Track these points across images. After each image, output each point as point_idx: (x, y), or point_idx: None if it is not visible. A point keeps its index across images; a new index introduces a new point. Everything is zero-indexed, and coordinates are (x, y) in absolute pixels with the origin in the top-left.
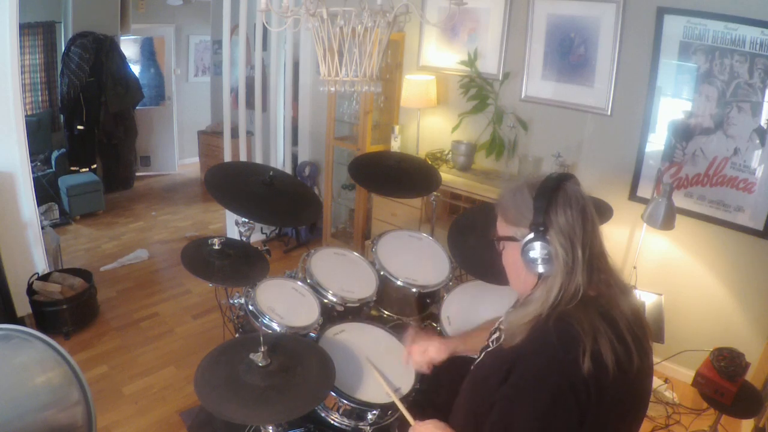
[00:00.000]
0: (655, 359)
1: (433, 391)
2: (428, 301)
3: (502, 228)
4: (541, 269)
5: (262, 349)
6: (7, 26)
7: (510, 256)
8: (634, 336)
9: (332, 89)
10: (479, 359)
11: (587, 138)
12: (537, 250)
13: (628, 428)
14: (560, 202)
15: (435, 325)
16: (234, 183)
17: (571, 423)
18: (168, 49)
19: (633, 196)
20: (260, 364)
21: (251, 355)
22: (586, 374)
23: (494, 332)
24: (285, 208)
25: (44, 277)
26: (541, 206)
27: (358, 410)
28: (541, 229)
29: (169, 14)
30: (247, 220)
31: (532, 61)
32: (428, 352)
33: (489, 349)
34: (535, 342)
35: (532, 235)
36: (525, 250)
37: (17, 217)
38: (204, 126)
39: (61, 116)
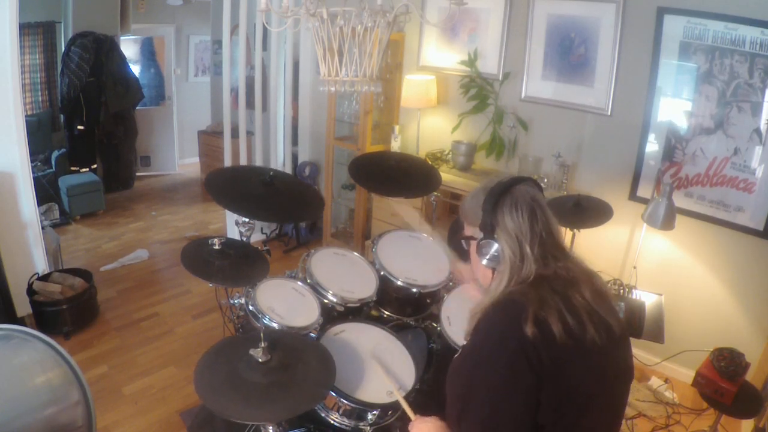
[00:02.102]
0: (656, 359)
1: (434, 391)
2: (428, 301)
3: (466, 228)
4: (491, 265)
5: (263, 345)
6: (7, 26)
7: (472, 253)
8: (592, 311)
9: (332, 89)
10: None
11: (587, 138)
12: (487, 248)
13: (601, 414)
14: (507, 204)
15: (435, 325)
16: (234, 185)
17: (526, 381)
18: (168, 49)
19: (633, 196)
20: (260, 360)
21: (251, 351)
22: (531, 337)
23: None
24: (285, 207)
25: (44, 277)
26: (487, 209)
27: (358, 410)
28: (489, 229)
29: (169, 14)
30: (247, 220)
31: (532, 61)
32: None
33: (464, 345)
34: (486, 318)
35: (482, 235)
36: (478, 247)
37: (17, 217)
38: (204, 126)
39: (61, 116)
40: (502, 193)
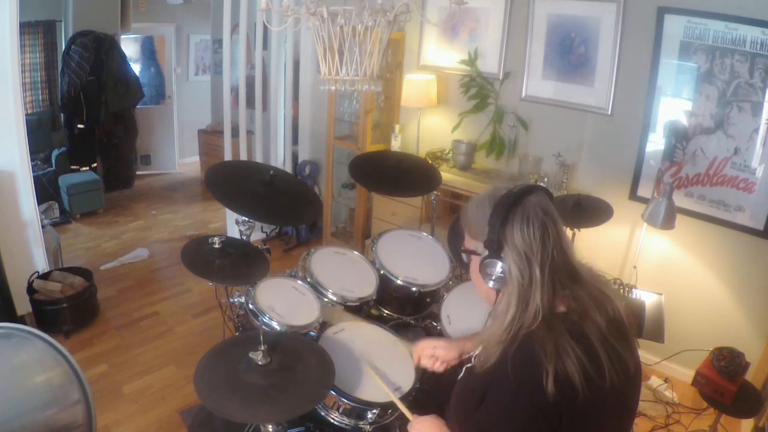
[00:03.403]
0: (655, 359)
1: (434, 390)
2: (428, 300)
3: (467, 240)
4: (496, 286)
5: (262, 348)
6: (8, 25)
7: (474, 269)
8: (609, 348)
9: (332, 88)
10: (462, 374)
11: (587, 138)
12: (492, 268)
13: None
14: (517, 219)
15: (435, 324)
16: (234, 182)
17: None
18: (168, 48)
19: (633, 195)
20: (260, 363)
21: (251, 354)
22: (551, 398)
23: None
24: (285, 207)
25: (44, 276)
26: (495, 223)
27: (358, 409)
28: (495, 247)
29: (169, 13)
30: (247, 219)
31: (533, 61)
32: (436, 351)
33: (469, 366)
34: (502, 370)
35: (487, 253)
36: (482, 266)
37: (17, 216)
38: (204, 125)
39: (62, 115)
40: (511, 206)
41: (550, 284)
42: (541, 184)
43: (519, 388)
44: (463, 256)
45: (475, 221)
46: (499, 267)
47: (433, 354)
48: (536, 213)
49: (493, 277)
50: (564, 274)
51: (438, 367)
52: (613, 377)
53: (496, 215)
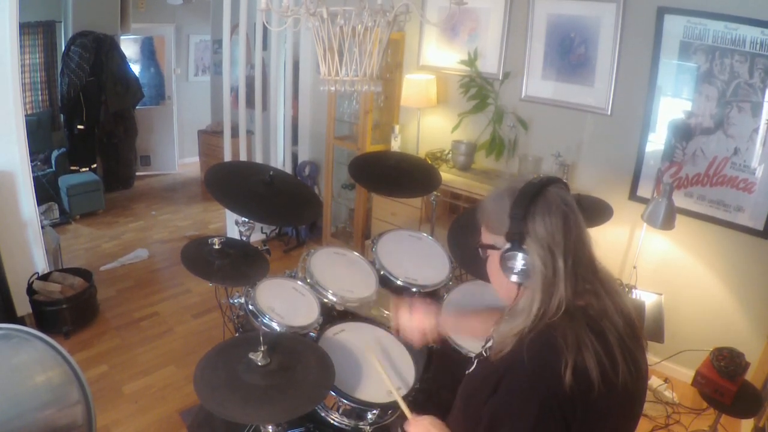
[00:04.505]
0: (655, 359)
1: (434, 390)
2: (428, 300)
3: (485, 235)
4: (519, 280)
5: (262, 349)
6: (7, 25)
7: (492, 264)
8: (625, 348)
9: (332, 89)
10: (473, 368)
11: (587, 138)
12: (514, 261)
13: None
14: (539, 210)
15: None
16: (234, 182)
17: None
18: (168, 48)
19: (633, 195)
20: (260, 364)
21: (251, 355)
22: (568, 389)
23: (488, 340)
24: (285, 208)
25: (44, 277)
26: (517, 215)
27: (357, 410)
28: (518, 239)
29: (169, 13)
30: (247, 219)
31: (532, 61)
32: (415, 315)
33: (481, 358)
34: (519, 356)
35: (509, 245)
36: (503, 260)
37: (17, 217)
38: (204, 125)
39: (61, 116)
40: (533, 197)
41: (572, 276)
42: None
43: (537, 375)
44: (480, 251)
45: (494, 214)
46: (521, 260)
47: (410, 308)
48: (558, 204)
49: (516, 271)
50: (585, 267)
51: (417, 340)
52: (626, 377)
53: (518, 206)
